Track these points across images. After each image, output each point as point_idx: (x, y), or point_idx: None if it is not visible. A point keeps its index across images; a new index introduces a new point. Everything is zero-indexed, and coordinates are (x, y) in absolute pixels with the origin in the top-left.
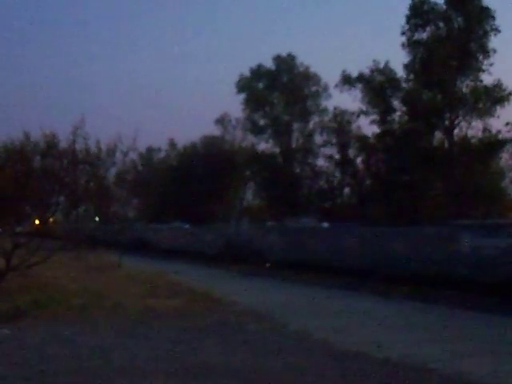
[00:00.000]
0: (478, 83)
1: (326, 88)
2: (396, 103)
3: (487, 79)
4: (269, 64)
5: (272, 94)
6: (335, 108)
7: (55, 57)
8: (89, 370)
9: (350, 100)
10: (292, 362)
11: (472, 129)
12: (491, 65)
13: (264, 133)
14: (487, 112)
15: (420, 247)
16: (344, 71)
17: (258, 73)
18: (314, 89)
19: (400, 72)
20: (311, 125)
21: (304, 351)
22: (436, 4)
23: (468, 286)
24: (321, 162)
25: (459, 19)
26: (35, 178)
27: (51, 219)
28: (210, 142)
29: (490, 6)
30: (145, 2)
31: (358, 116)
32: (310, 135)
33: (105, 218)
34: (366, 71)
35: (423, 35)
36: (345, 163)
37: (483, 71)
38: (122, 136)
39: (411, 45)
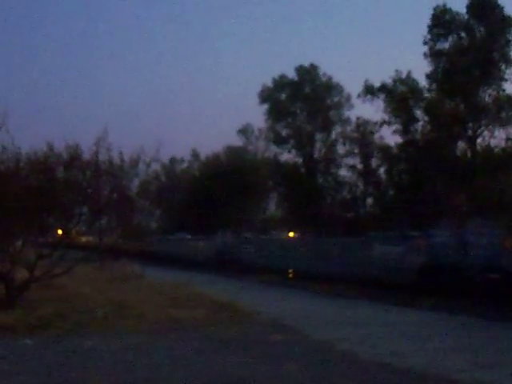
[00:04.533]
0: (501, 92)
1: (348, 98)
2: (418, 113)
3: (510, 88)
4: (291, 74)
5: (295, 104)
6: (358, 118)
7: (78, 68)
8: (112, 380)
9: (372, 110)
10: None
11: (495, 138)
12: None
13: (287, 143)
14: (510, 121)
15: (346, 253)
16: (366, 81)
17: (280, 83)
18: (336, 99)
19: (422, 82)
20: (334, 135)
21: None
22: (458, 14)
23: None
24: (343, 173)
25: (481, 29)
26: (58, 189)
27: (74, 230)
28: (232, 153)
29: None
30: (166, 14)
31: (381, 126)
32: (333, 145)
33: (127, 229)
34: (389, 81)
35: (445, 45)
36: (367, 173)
37: (505, 80)
38: (144, 147)
39: (433, 54)
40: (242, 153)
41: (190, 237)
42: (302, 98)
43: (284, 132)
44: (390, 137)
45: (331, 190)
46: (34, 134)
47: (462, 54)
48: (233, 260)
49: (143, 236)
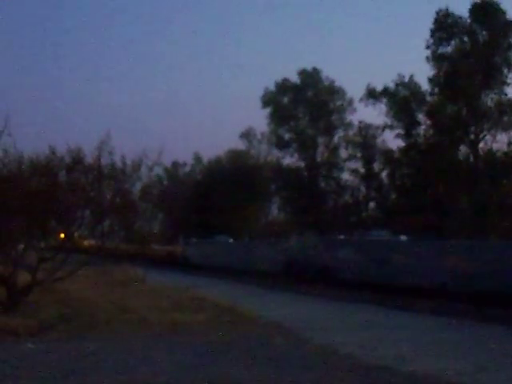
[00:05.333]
0: (503, 96)
1: (350, 102)
2: (421, 117)
3: None
4: (294, 78)
5: (297, 108)
6: (360, 122)
7: (80, 72)
8: None
9: (374, 114)
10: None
11: (497, 142)
12: None
13: (289, 147)
14: None
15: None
16: (369, 85)
17: (283, 87)
18: (338, 103)
19: (425, 85)
20: (336, 139)
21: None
22: (460, 18)
23: None
24: (346, 176)
25: (483, 33)
26: (60, 193)
27: (76, 234)
28: (235, 157)
29: None
30: (170, 16)
31: (383, 130)
32: (335, 149)
33: (130, 232)
34: (391, 85)
35: (448, 49)
36: (370, 177)
37: (508, 84)
38: (147, 151)
39: (436, 58)
40: (244, 157)
41: (231, 240)
42: (305, 102)
43: (286, 136)
44: (393, 141)
45: (333, 194)
46: (37, 137)
47: (464, 58)
48: (320, 272)
49: (146, 239)
